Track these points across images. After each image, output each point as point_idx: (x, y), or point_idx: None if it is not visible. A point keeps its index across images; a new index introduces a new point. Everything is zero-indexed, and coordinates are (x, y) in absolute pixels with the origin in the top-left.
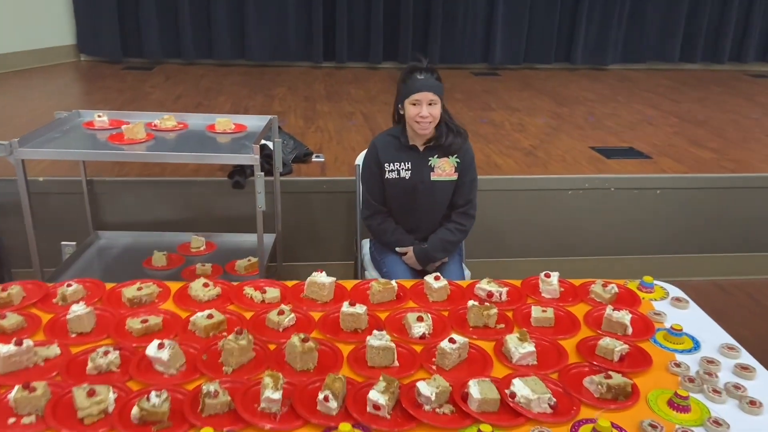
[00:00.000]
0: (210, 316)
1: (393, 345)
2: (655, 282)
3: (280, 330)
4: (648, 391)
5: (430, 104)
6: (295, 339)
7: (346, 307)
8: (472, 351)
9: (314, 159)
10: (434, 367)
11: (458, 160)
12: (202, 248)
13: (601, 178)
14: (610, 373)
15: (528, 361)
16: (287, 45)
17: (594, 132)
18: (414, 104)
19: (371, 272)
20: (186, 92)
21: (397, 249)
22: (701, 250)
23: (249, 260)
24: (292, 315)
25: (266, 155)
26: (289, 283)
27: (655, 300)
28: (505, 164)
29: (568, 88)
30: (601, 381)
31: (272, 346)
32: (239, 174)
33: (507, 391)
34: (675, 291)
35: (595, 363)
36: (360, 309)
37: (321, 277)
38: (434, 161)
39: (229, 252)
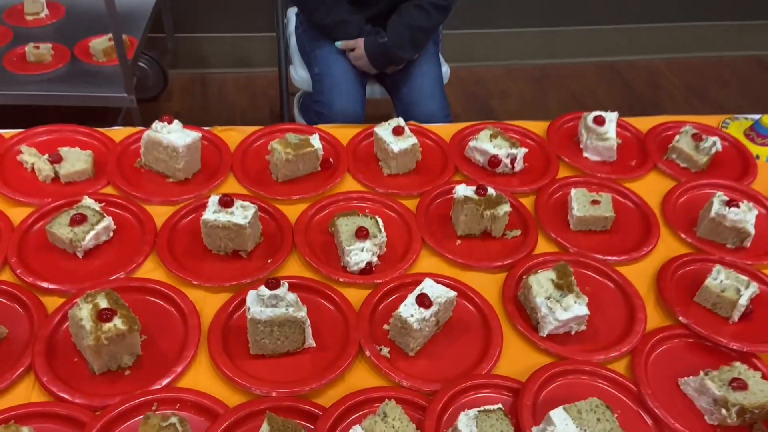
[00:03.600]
0: None
1: (301, 316)
2: None
3: (80, 255)
4: None
5: None
6: (83, 311)
7: (212, 213)
8: (463, 304)
9: None
10: (386, 351)
11: None
12: (42, 15)
13: None
14: (738, 372)
15: (571, 329)
16: None
17: None
18: None
19: (298, 70)
20: None
21: (339, 44)
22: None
23: (111, 39)
24: (107, 222)
25: None
26: (116, 135)
27: None
28: None
29: None
30: (724, 395)
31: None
32: None
33: None
34: None
35: (697, 329)
36: (242, 216)
37: (169, 134)
38: None
39: (85, 22)
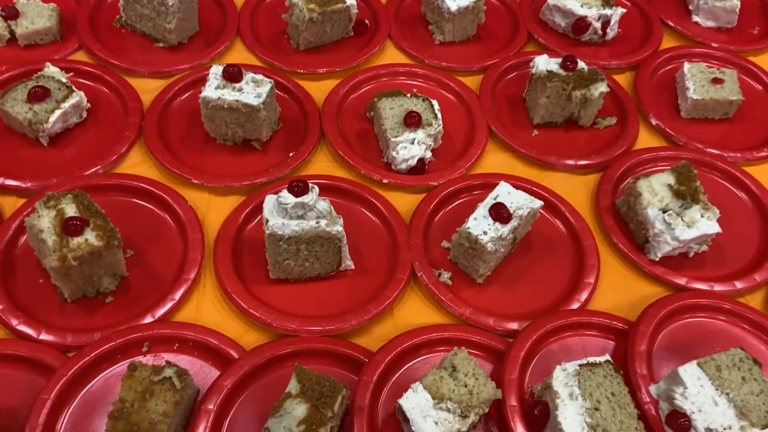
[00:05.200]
0: None
1: (337, 231)
2: None
3: (44, 142)
4: None
5: None
6: (43, 220)
7: (214, 89)
8: (543, 215)
9: None
10: (446, 277)
11: None
12: None
13: None
14: None
15: (690, 249)
16: None
17: None
18: None
19: None
20: None
21: None
22: None
23: None
24: (77, 98)
25: None
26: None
27: None
28: None
29: None
30: None
31: None
32: None
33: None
34: None
35: None
36: (254, 94)
37: None
38: None
39: None
